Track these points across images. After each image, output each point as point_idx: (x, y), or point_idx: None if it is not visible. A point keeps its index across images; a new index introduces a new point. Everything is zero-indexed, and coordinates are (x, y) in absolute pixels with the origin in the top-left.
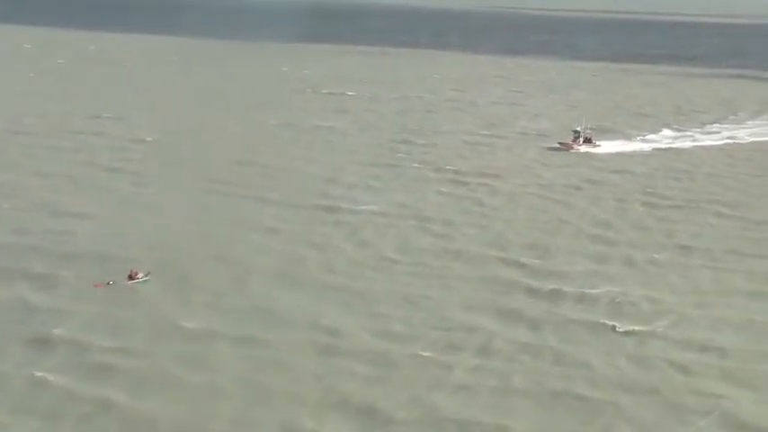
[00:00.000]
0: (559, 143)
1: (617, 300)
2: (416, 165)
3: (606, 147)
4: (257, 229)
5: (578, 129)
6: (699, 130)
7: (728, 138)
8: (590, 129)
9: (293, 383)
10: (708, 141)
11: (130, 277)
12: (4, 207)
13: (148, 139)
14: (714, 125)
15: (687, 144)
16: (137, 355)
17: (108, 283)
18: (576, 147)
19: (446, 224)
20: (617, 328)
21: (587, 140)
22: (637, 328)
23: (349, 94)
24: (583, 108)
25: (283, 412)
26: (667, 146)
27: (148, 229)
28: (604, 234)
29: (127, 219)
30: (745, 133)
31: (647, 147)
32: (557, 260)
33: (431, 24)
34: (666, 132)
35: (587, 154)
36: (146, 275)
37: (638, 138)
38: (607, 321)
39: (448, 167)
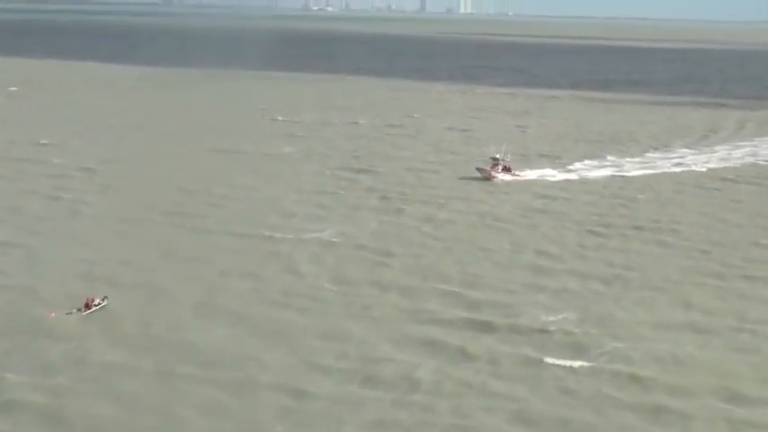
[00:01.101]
0: (477, 169)
1: (548, 331)
2: (359, 193)
3: (533, 174)
4: (189, 257)
5: (497, 156)
6: (650, 156)
7: (679, 164)
8: (508, 158)
9: (209, 417)
10: (658, 168)
11: (87, 305)
12: None
13: (90, 166)
14: (664, 152)
15: (637, 171)
16: (49, 390)
17: (67, 314)
18: (494, 174)
19: (383, 254)
20: (546, 361)
21: (506, 169)
22: (567, 361)
23: (302, 120)
24: (533, 134)
25: None
26: (614, 173)
27: (78, 260)
28: (541, 263)
29: (57, 249)
30: (697, 160)
31: (593, 173)
32: (490, 291)
33: (393, 51)
34: (614, 159)
35: (532, 182)
36: (102, 300)
37: (581, 164)
38: (537, 354)
39: (390, 195)
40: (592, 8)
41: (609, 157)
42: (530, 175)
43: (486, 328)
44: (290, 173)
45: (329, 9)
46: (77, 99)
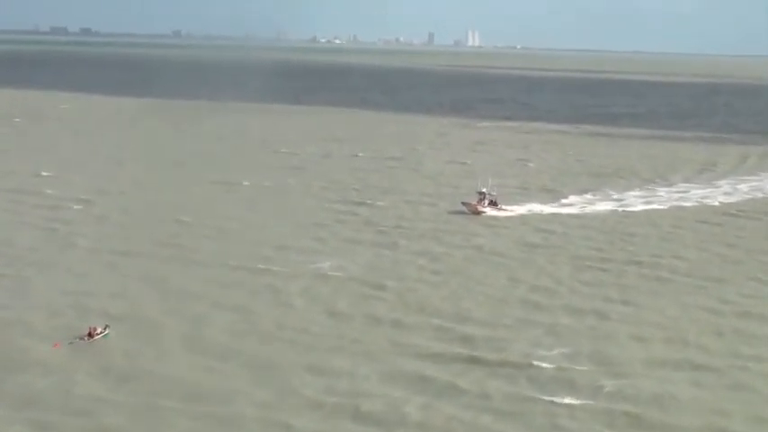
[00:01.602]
0: (463, 203)
1: (540, 367)
2: (356, 225)
3: (533, 208)
4: (180, 290)
5: (483, 190)
6: (651, 190)
7: (680, 199)
8: (495, 192)
9: None
10: (659, 203)
11: (90, 335)
12: None
13: (87, 198)
14: (665, 186)
15: (638, 206)
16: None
17: (69, 343)
18: (480, 209)
19: (376, 287)
20: (537, 397)
21: (492, 203)
22: (559, 398)
23: (302, 153)
24: (534, 168)
25: None
26: (615, 207)
27: (69, 291)
28: (535, 298)
29: (49, 280)
30: (699, 194)
31: (592, 207)
32: (482, 325)
33: (398, 83)
34: (615, 193)
35: (529, 215)
36: (104, 329)
37: (581, 198)
38: (528, 390)
39: (387, 229)
40: (599, 42)
41: (609, 192)
42: (525, 209)
43: (477, 362)
44: (288, 205)
45: (337, 41)
46: (80, 131)
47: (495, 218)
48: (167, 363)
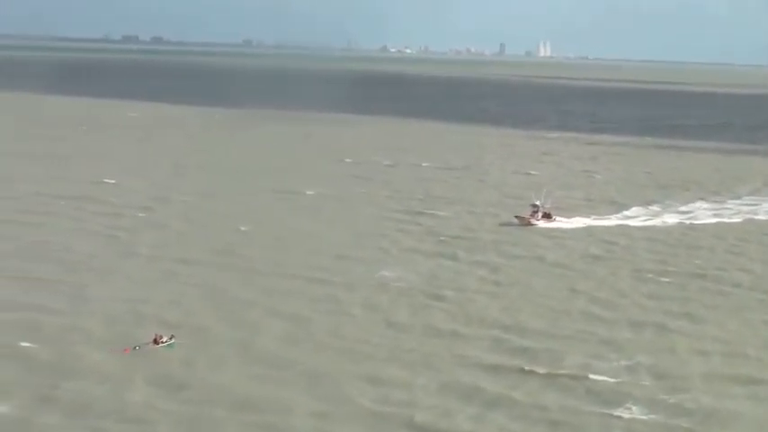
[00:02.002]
0: (516, 217)
1: (595, 380)
2: (417, 235)
3: (583, 220)
4: (233, 299)
5: (537, 203)
6: (717, 203)
7: (747, 213)
8: (548, 205)
9: None
10: (725, 216)
11: (155, 341)
12: None
13: (146, 205)
14: (732, 199)
15: (704, 219)
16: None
17: (135, 348)
18: (533, 221)
19: (434, 298)
20: (590, 410)
21: (546, 215)
22: (612, 411)
23: (368, 162)
24: (600, 180)
25: None
26: (680, 220)
27: (126, 299)
28: (595, 310)
29: (104, 289)
30: (763, 209)
31: (657, 220)
32: (540, 338)
33: (467, 93)
34: (680, 206)
35: (593, 227)
36: (170, 339)
37: (645, 210)
38: (581, 403)
39: (447, 239)
40: (671, 53)
41: (675, 204)
42: (587, 220)
43: (533, 374)
44: (350, 214)
45: (407, 51)
46: (145, 139)
47: (559, 229)
48: (221, 371)
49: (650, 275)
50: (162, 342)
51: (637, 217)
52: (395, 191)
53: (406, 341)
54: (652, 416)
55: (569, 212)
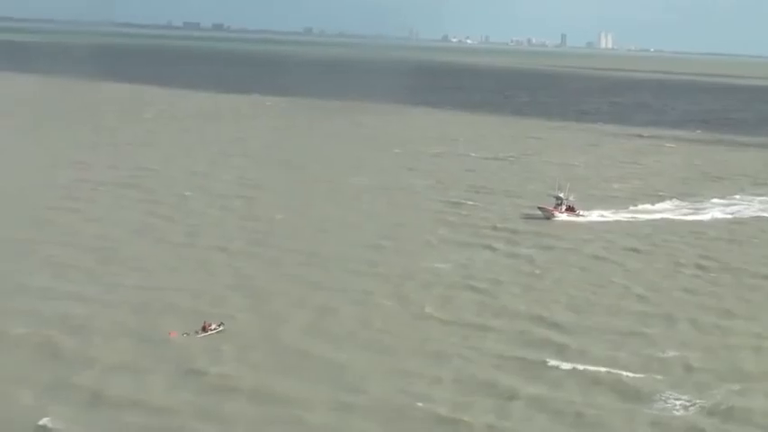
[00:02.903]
0: (539, 208)
1: (622, 374)
2: (458, 227)
3: (616, 214)
4: (263, 289)
5: (560, 195)
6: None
7: None
8: (572, 198)
9: None
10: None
11: (204, 329)
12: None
13: (188, 193)
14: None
15: (753, 213)
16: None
17: (184, 334)
18: (557, 214)
19: (467, 290)
20: (620, 406)
21: (570, 209)
22: (646, 409)
23: (422, 152)
24: (651, 172)
25: None
26: (715, 215)
27: (189, 284)
28: (626, 304)
29: (171, 273)
30: None
31: (707, 214)
32: (569, 331)
33: (526, 85)
34: (734, 200)
35: (635, 220)
36: (219, 326)
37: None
38: (610, 399)
39: (485, 230)
40: (733, 47)
41: (719, 198)
42: (624, 214)
43: (557, 369)
44: (389, 205)
45: (468, 41)
46: (195, 127)
47: (597, 221)
48: (245, 360)
49: (687, 270)
50: (211, 329)
51: (678, 210)
52: (438, 181)
53: (431, 332)
54: (679, 412)
55: (608, 205)
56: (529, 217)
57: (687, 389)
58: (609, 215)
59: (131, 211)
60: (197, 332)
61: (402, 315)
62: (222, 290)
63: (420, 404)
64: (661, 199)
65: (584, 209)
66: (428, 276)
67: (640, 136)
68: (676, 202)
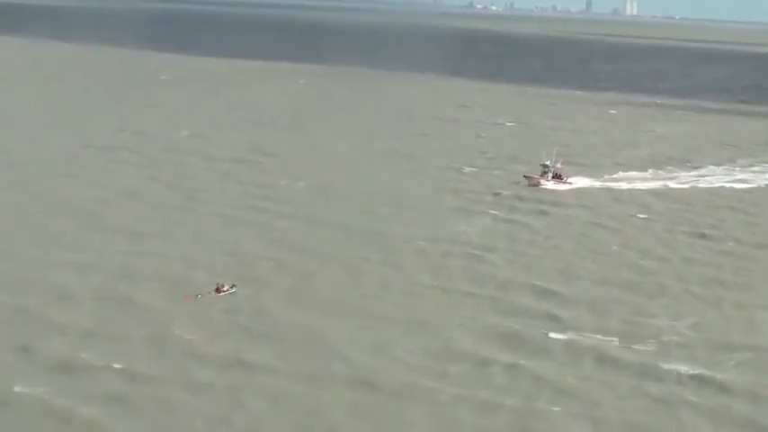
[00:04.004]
0: (525, 176)
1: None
2: (476, 191)
3: (583, 182)
4: (290, 248)
5: (547, 163)
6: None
7: None
8: (559, 165)
9: (275, 406)
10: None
11: (218, 290)
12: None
13: (217, 156)
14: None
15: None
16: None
17: (197, 296)
18: (543, 182)
19: (469, 259)
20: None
21: (556, 176)
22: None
23: (434, 119)
24: (668, 141)
25: None
26: (721, 183)
27: (204, 248)
28: (628, 276)
29: (187, 239)
30: None
31: (718, 181)
32: (588, 292)
33: (548, 52)
34: (734, 169)
35: (650, 190)
36: (231, 287)
37: (690, 173)
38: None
39: (506, 194)
40: (762, 14)
41: (729, 167)
42: (628, 182)
43: (559, 341)
44: (406, 170)
45: (493, 8)
46: (220, 94)
47: (610, 190)
48: (268, 318)
49: (687, 238)
50: (224, 290)
51: (685, 177)
52: (447, 147)
53: (447, 295)
54: (668, 383)
55: (619, 172)
56: (517, 183)
57: (677, 359)
58: (616, 183)
59: (161, 174)
60: (210, 293)
61: (395, 282)
62: (217, 256)
63: (399, 373)
64: (669, 166)
65: (576, 176)
66: (425, 244)
67: (660, 105)
68: (685, 169)
